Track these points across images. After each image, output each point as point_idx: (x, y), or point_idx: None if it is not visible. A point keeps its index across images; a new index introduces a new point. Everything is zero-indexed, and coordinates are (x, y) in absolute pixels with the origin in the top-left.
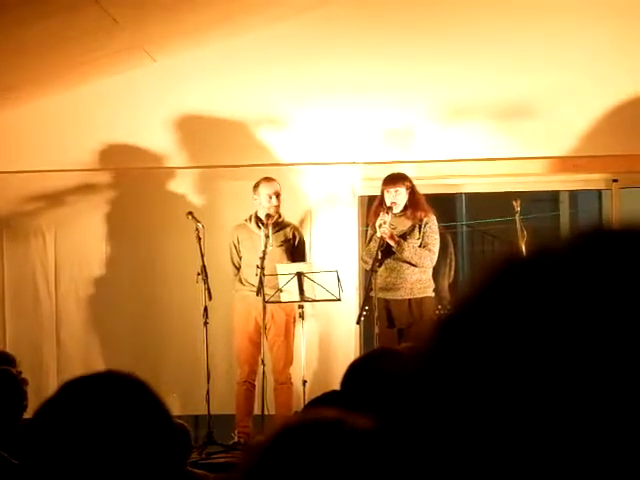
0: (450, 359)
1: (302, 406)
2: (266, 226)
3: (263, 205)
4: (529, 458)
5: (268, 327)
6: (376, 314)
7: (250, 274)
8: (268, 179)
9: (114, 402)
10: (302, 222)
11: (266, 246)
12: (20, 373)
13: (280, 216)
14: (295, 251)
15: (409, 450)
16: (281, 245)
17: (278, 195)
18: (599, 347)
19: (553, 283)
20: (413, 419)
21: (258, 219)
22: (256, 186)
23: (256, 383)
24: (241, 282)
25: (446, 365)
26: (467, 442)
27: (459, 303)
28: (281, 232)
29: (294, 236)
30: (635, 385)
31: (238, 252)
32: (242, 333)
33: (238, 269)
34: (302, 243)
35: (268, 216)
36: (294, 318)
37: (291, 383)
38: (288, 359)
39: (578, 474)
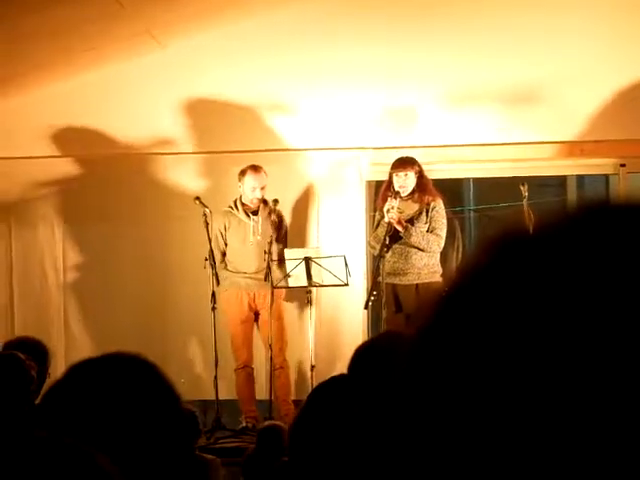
0: (446, 337)
1: (309, 391)
2: (273, 212)
3: (246, 195)
4: (526, 446)
5: (260, 311)
6: (384, 299)
7: (240, 261)
8: (256, 169)
9: (122, 384)
10: (309, 207)
11: (272, 232)
12: (42, 360)
13: (267, 203)
14: (278, 238)
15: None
16: (273, 232)
17: (263, 188)
18: (598, 325)
19: (553, 259)
20: (402, 398)
21: (245, 206)
22: (242, 173)
23: (254, 366)
24: (227, 269)
25: (441, 344)
26: (456, 424)
27: (457, 281)
28: (269, 219)
29: (277, 222)
30: (634, 363)
31: (224, 239)
32: (235, 319)
33: (223, 256)
34: (285, 230)
35: (258, 205)
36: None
37: (288, 367)
38: (283, 342)
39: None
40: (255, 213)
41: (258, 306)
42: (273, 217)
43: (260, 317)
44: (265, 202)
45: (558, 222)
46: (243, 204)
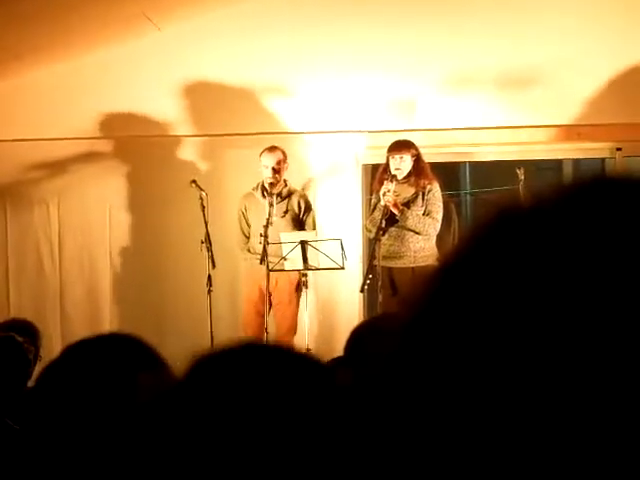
0: (441, 314)
1: None
2: (270, 195)
3: (264, 175)
4: (525, 418)
5: (272, 295)
6: (380, 282)
7: (256, 243)
8: (271, 149)
9: (117, 364)
10: (306, 190)
11: (270, 215)
12: (33, 341)
13: (286, 185)
14: (302, 220)
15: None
16: (284, 214)
17: (279, 164)
18: (595, 299)
19: (549, 233)
20: (396, 374)
21: (264, 188)
22: (260, 154)
23: None
24: (249, 251)
25: (434, 317)
26: (458, 397)
27: (452, 256)
28: (285, 201)
29: (299, 205)
30: (630, 334)
31: (247, 221)
32: (248, 301)
33: (248, 238)
34: (309, 212)
35: (271, 185)
36: (297, 286)
37: None
38: (291, 327)
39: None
40: (271, 194)
41: (270, 288)
42: (298, 199)
43: (272, 300)
44: (285, 184)
45: (554, 196)
46: (263, 186)
